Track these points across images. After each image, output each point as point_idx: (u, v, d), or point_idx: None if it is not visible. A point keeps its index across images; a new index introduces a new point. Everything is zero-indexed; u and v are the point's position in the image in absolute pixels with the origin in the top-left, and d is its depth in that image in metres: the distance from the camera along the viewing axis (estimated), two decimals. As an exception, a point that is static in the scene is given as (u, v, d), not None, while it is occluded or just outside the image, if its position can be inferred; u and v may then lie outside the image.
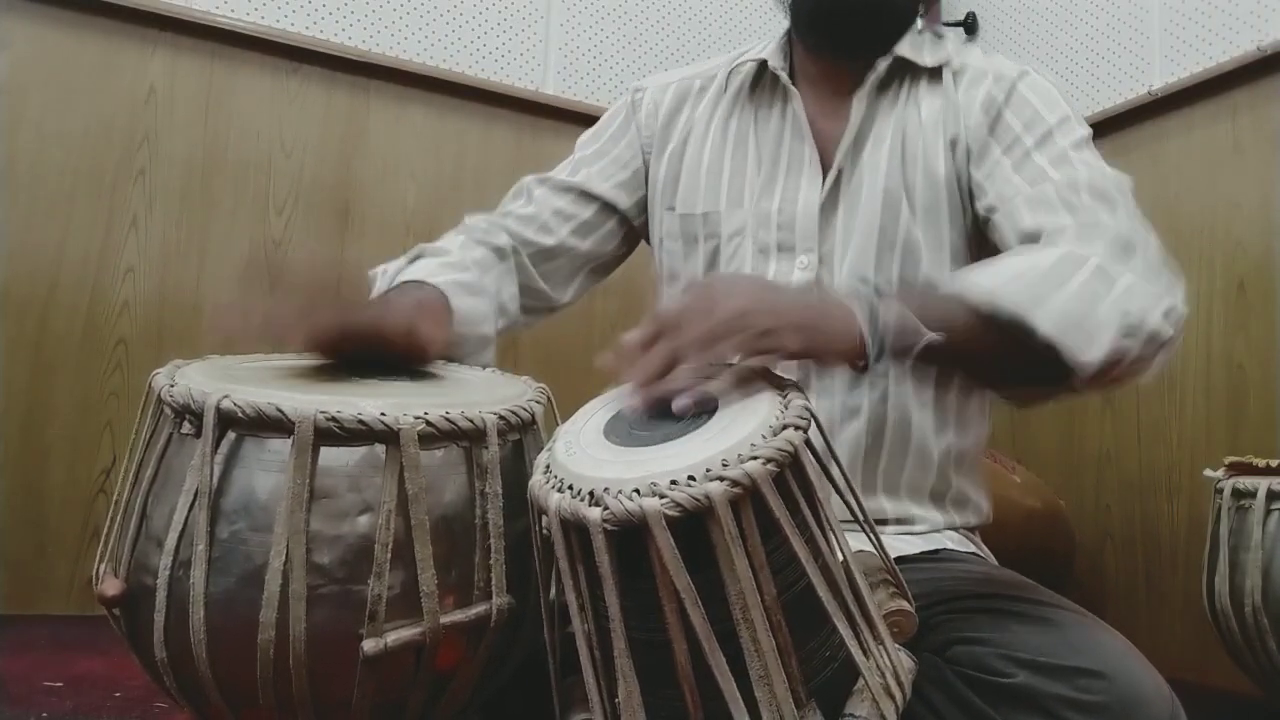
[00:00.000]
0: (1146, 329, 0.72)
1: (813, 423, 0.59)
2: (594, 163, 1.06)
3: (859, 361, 0.67)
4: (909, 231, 0.94)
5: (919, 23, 1.03)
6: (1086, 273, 0.72)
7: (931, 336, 0.67)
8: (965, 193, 0.95)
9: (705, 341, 0.62)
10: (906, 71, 0.99)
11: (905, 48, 0.98)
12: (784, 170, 0.99)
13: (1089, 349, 0.69)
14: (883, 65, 0.97)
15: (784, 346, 0.63)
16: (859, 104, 0.97)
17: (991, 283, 0.71)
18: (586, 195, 1.04)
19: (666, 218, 1.04)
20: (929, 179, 0.95)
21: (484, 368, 0.85)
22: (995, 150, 0.92)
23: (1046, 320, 0.69)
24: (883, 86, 0.98)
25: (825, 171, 0.97)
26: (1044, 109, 0.92)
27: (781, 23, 1.06)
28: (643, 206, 1.07)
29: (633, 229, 1.08)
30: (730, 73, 1.04)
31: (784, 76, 1.00)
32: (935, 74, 0.98)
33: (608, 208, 1.05)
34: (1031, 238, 0.84)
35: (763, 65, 1.02)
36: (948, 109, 0.96)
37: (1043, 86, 0.94)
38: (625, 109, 1.08)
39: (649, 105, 1.07)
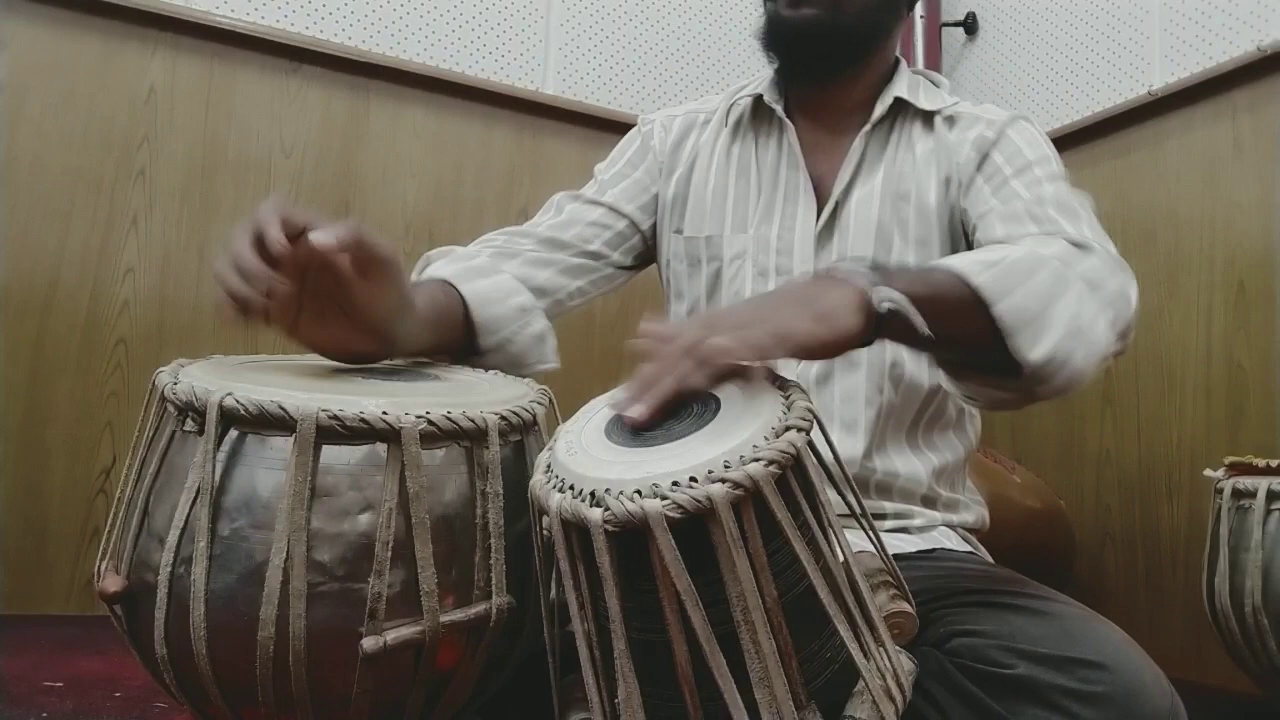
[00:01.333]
0: (1089, 337, 0.74)
1: (815, 424, 0.59)
2: (617, 184, 1.09)
3: (867, 322, 0.65)
4: (901, 262, 0.98)
5: (918, 57, 1.06)
6: (1047, 272, 0.74)
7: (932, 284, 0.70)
8: (958, 226, 0.99)
9: (711, 347, 0.60)
10: (901, 111, 1.03)
11: (902, 88, 1.02)
12: (782, 198, 1.03)
13: (1035, 347, 0.70)
14: (882, 106, 1.01)
15: (794, 333, 0.61)
16: (859, 144, 1.01)
17: (971, 266, 0.72)
18: (615, 212, 1.08)
19: (674, 240, 1.08)
20: (920, 212, 0.99)
21: (551, 360, 0.91)
22: (979, 180, 0.97)
23: (1007, 312, 0.70)
24: (878, 123, 1.02)
25: (821, 201, 1.01)
26: (1027, 149, 0.97)
27: None
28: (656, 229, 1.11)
29: (648, 249, 1.12)
30: (730, 107, 1.08)
31: (778, 109, 1.04)
32: (928, 119, 1.03)
33: (633, 225, 1.08)
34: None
35: (759, 99, 1.06)
36: (940, 150, 1.00)
37: (1029, 132, 1.00)
38: (640, 137, 1.12)
39: (659, 132, 1.11)
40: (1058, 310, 0.72)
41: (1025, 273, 0.72)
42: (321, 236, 0.66)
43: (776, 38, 1.01)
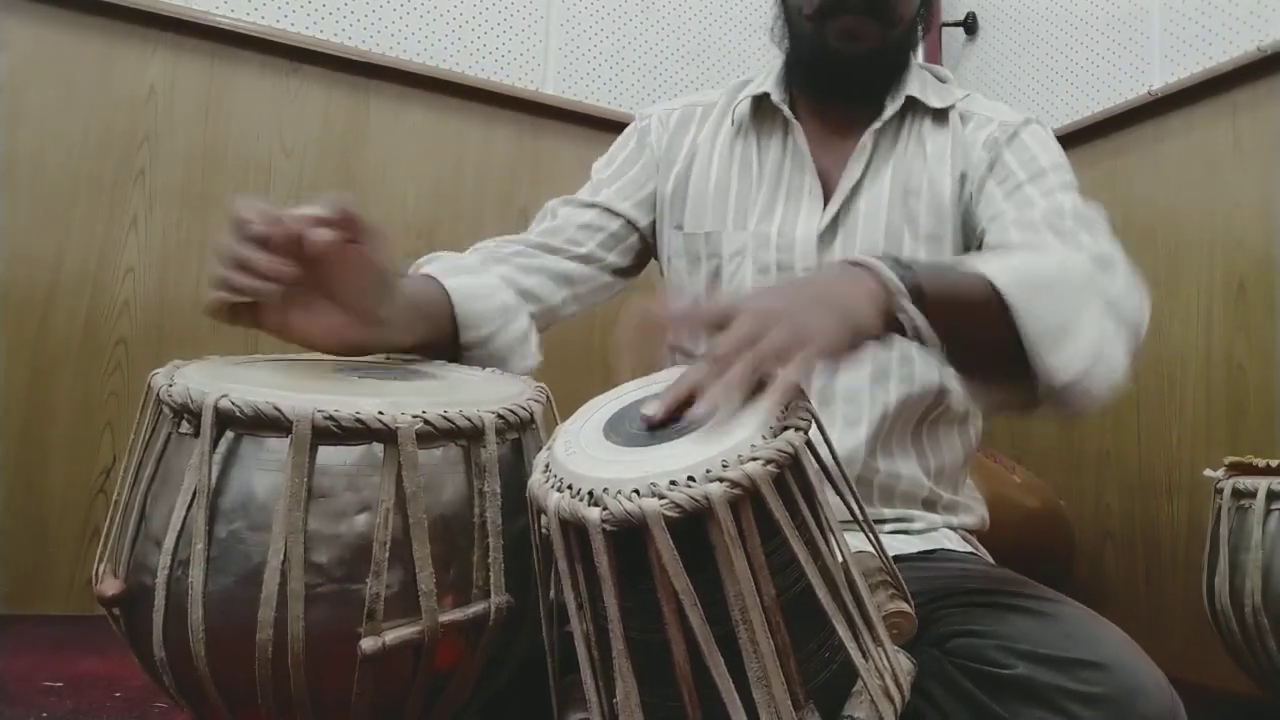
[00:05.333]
0: (1110, 363, 0.73)
1: (813, 423, 0.59)
2: (613, 183, 1.08)
3: (891, 314, 0.65)
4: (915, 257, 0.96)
5: (919, 57, 1.06)
6: (1073, 283, 0.73)
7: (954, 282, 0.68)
8: (972, 225, 0.98)
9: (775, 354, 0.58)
10: (910, 108, 1.02)
11: (914, 87, 1.01)
12: (784, 196, 1.02)
13: (1060, 366, 0.70)
14: (894, 107, 1.00)
15: (828, 341, 0.60)
16: (867, 141, 0.99)
17: (995, 268, 0.71)
18: (610, 212, 1.07)
19: (674, 236, 1.06)
20: (934, 208, 0.97)
21: (533, 358, 0.91)
22: (991, 184, 0.96)
23: (1031, 319, 0.69)
24: (887, 120, 1.01)
25: (827, 199, 1.00)
26: (1041, 154, 0.95)
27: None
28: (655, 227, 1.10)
29: (648, 246, 1.11)
30: (734, 107, 1.07)
31: (786, 110, 1.03)
32: (941, 115, 1.02)
33: (629, 224, 1.07)
34: None
35: (764, 98, 1.05)
36: (955, 146, 0.99)
37: (1043, 135, 0.98)
38: (636, 134, 1.11)
39: (657, 128, 1.10)
40: (1082, 325, 0.71)
41: (1051, 280, 0.71)
42: (319, 235, 0.67)
43: (822, 69, 1.00)
